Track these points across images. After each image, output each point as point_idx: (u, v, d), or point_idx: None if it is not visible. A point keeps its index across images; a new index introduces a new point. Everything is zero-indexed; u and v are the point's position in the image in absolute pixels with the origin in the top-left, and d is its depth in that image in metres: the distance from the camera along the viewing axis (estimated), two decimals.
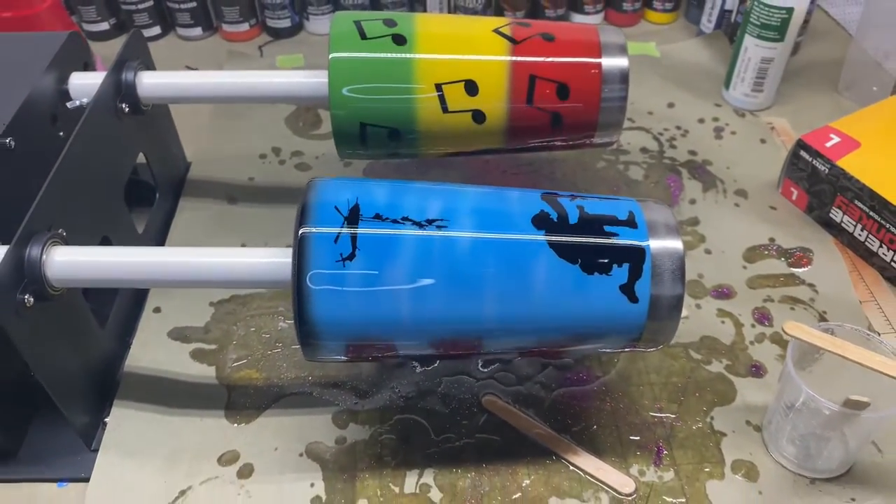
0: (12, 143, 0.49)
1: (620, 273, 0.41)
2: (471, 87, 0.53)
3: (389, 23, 0.55)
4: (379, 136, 0.55)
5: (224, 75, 0.58)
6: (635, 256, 0.41)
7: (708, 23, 0.85)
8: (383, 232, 0.41)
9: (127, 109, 0.56)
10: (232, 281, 0.44)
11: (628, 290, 0.41)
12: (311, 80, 0.56)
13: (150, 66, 0.60)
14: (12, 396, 0.50)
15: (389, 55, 0.53)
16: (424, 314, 0.41)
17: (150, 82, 0.57)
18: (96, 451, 0.49)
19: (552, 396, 0.52)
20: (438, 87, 0.53)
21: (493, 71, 0.54)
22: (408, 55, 0.53)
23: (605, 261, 0.41)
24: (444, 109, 0.54)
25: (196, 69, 0.83)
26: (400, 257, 0.40)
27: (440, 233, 0.41)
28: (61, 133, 0.56)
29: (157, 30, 0.87)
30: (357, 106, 0.53)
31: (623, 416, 0.51)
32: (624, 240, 0.41)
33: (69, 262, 0.44)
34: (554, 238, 0.41)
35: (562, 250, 0.41)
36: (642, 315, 0.41)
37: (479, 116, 0.54)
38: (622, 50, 0.55)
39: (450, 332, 0.42)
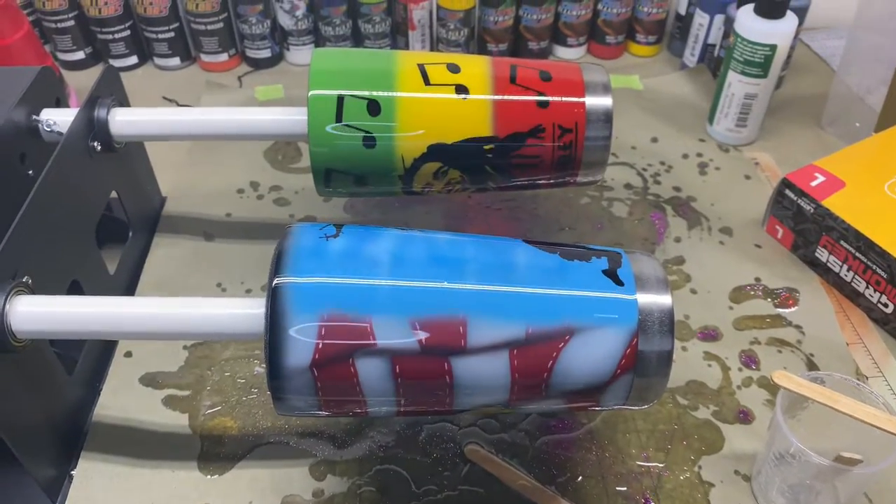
0: None
1: (600, 262, 0.41)
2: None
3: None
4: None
5: (200, 112, 0.56)
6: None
7: (691, 56, 0.85)
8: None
9: (99, 148, 0.55)
10: (204, 333, 0.43)
11: (611, 274, 0.40)
12: (290, 118, 0.55)
13: (123, 103, 0.59)
14: None
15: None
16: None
17: (124, 119, 0.55)
18: None
19: (536, 444, 0.51)
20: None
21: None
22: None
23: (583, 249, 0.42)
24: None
25: (173, 100, 0.82)
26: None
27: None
28: (30, 172, 0.54)
29: (133, 59, 0.86)
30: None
31: (609, 465, 0.50)
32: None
33: (34, 312, 0.42)
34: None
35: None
36: (631, 299, 0.40)
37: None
38: (606, 89, 0.54)
39: (431, 313, 0.39)
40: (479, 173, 0.54)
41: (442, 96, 0.53)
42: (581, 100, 0.54)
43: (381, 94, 0.52)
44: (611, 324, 0.39)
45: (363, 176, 0.53)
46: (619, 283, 0.40)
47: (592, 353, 0.39)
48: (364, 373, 0.39)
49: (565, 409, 0.43)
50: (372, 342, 0.38)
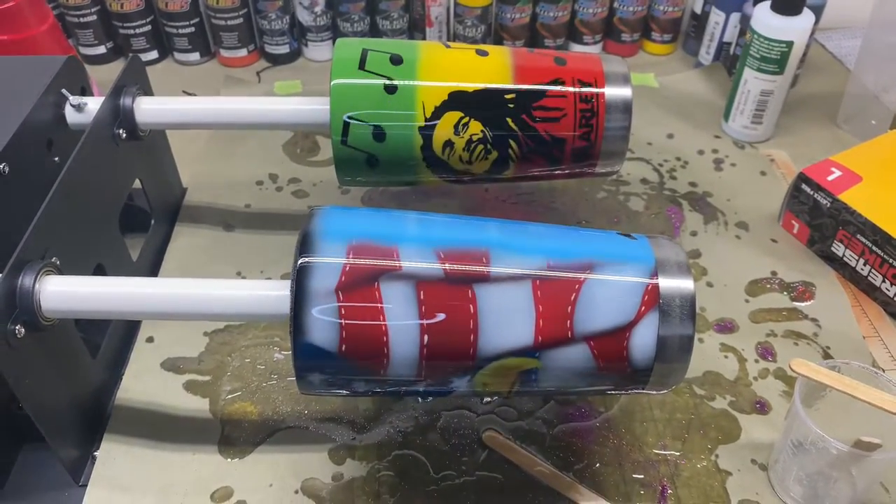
0: (6, 169, 0.48)
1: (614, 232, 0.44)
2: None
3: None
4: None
5: (223, 101, 0.57)
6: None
7: (707, 54, 0.85)
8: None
9: (124, 135, 0.55)
10: (228, 314, 0.43)
11: (625, 235, 0.43)
12: (312, 107, 0.56)
13: (148, 92, 0.59)
14: None
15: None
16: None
17: (149, 108, 0.56)
18: (85, 486, 0.48)
19: (554, 432, 0.51)
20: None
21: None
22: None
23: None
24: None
25: (193, 94, 0.83)
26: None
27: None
28: (56, 158, 0.55)
29: (154, 54, 0.87)
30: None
31: (626, 453, 0.50)
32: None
33: (63, 292, 0.42)
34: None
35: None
36: (646, 243, 0.42)
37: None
38: (626, 80, 0.55)
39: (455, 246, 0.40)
40: (501, 128, 0.53)
41: (462, 52, 0.55)
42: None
43: (403, 52, 0.54)
44: (629, 260, 0.41)
45: (382, 128, 0.52)
46: (633, 239, 0.43)
47: (614, 286, 0.40)
48: (389, 296, 0.39)
49: (594, 370, 0.40)
50: (397, 265, 0.39)
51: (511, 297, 0.40)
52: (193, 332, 0.57)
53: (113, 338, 0.54)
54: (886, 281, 0.58)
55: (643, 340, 0.40)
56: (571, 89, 0.54)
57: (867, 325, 0.59)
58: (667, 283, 0.40)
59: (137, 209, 0.62)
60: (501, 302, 0.39)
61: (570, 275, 0.40)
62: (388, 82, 0.52)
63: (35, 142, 0.53)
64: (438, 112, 0.53)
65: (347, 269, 0.39)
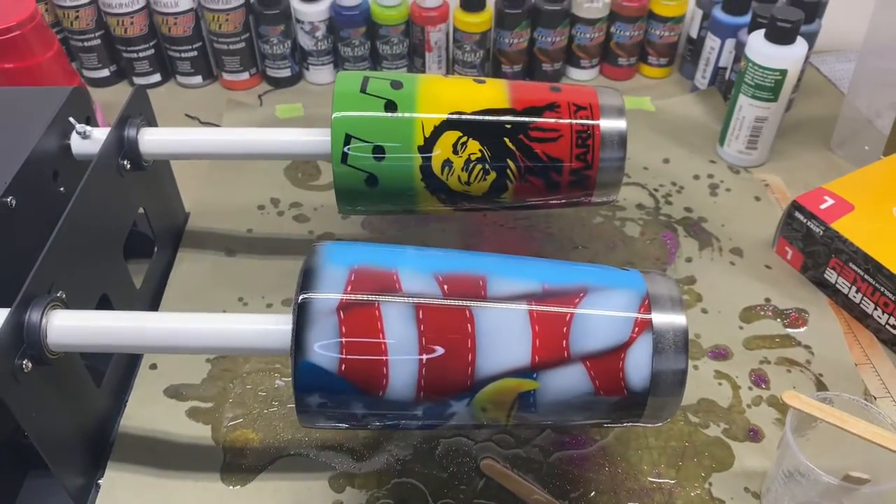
0: (13, 202, 0.49)
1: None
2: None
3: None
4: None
5: (226, 132, 0.58)
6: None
7: (702, 79, 0.86)
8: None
9: (128, 166, 0.56)
10: (231, 348, 0.44)
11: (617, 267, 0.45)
12: (314, 139, 0.57)
13: (152, 122, 0.60)
14: (3, 459, 0.49)
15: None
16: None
17: (152, 139, 0.57)
18: None
19: (550, 460, 0.52)
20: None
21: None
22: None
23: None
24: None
25: (196, 117, 0.84)
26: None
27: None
28: (62, 188, 0.56)
29: (157, 77, 0.88)
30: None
31: (622, 481, 0.51)
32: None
33: (69, 327, 0.43)
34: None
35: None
36: (638, 274, 0.44)
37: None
38: (620, 112, 0.56)
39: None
40: (498, 147, 0.54)
41: (460, 80, 0.57)
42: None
43: (403, 79, 0.56)
44: (621, 286, 0.43)
45: (383, 147, 0.54)
46: (625, 270, 0.45)
47: (607, 307, 0.42)
48: (388, 317, 0.40)
49: (592, 393, 0.41)
50: (397, 289, 0.41)
51: (508, 318, 0.41)
52: (196, 359, 0.58)
53: (117, 365, 0.55)
54: (878, 308, 0.59)
55: (638, 361, 0.41)
56: (566, 119, 0.55)
57: (859, 353, 0.59)
58: (660, 319, 0.41)
59: (141, 235, 0.63)
60: (499, 322, 0.41)
61: (565, 298, 0.42)
62: (388, 100, 0.54)
63: (41, 173, 0.54)
64: (437, 132, 0.54)
65: (348, 292, 0.40)
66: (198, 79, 0.88)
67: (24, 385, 0.42)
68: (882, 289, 0.58)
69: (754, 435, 0.54)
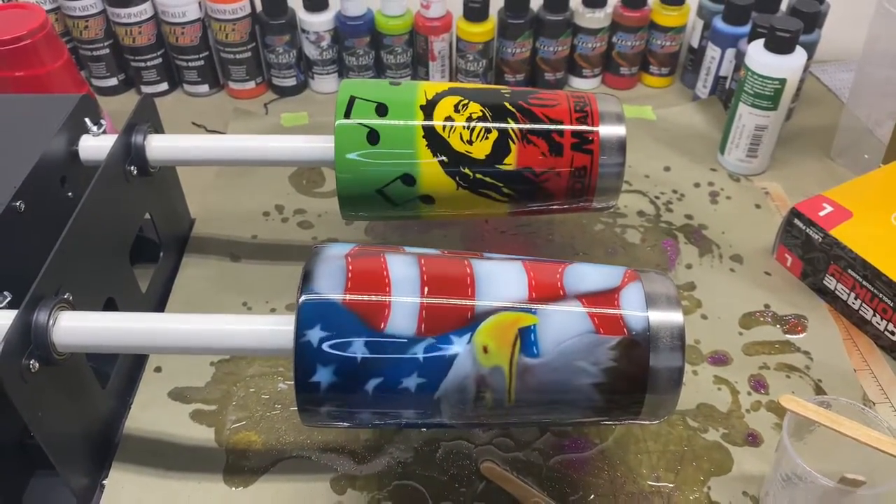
0: (22, 206, 0.50)
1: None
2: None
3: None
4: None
5: (232, 139, 0.59)
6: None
7: (703, 88, 0.87)
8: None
9: (135, 172, 0.57)
10: (236, 349, 0.45)
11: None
12: (319, 145, 0.57)
13: (158, 129, 0.61)
14: (9, 459, 0.50)
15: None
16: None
17: (159, 145, 0.58)
18: None
19: (550, 464, 0.52)
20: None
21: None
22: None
23: None
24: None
25: (202, 125, 0.85)
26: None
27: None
28: (70, 194, 0.57)
29: (164, 86, 0.89)
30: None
31: (621, 485, 0.51)
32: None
33: (76, 328, 0.44)
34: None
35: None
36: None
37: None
38: (620, 119, 0.57)
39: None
40: (499, 109, 0.56)
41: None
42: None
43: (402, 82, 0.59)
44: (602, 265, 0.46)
45: (385, 105, 0.55)
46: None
47: (597, 267, 0.45)
48: (392, 262, 0.43)
49: (592, 331, 0.41)
50: (401, 249, 0.44)
51: (503, 266, 0.44)
52: (200, 361, 0.59)
53: (122, 368, 0.56)
54: (877, 315, 0.60)
55: (632, 302, 0.42)
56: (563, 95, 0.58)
57: (858, 358, 0.60)
58: (656, 316, 0.42)
59: (147, 240, 0.64)
60: (495, 269, 0.44)
61: (555, 262, 0.46)
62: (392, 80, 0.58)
63: (50, 179, 0.55)
64: (439, 96, 0.57)
65: (354, 251, 0.44)
66: (204, 87, 0.89)
67: (32, 385, 0.43)
68: (881, 295, 0.59)
69: (753, 439, 0.54)
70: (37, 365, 0.43)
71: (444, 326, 0.41)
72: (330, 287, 0.41)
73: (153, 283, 0.62)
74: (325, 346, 0.40)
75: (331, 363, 0.40)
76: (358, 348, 0.40)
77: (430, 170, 0.55)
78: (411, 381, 0.41)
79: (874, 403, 0.56)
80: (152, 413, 0.55)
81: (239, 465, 0.52)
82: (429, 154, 0.55)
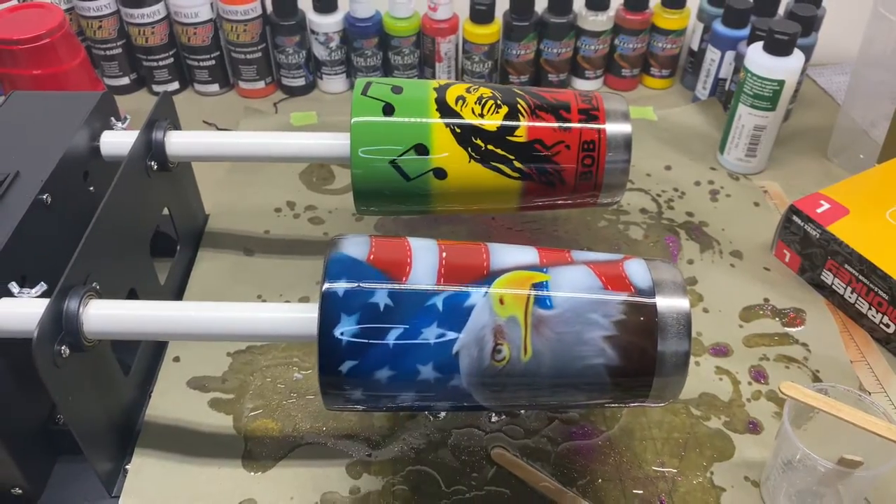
0: (49, 199, 0.52)
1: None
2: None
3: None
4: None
5: (249, 136, 0.61)
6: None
7: (703, 89, 0.89)
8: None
9: (155, 167, 0.59)
10: (260, 335, 0.47)
11: None
12: (333, 142, 0.59)
13: (177, 126, 0.63)
14: (37, 443, 0.52)
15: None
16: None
17: (178, 141, 0.60)
18: (117, 497, 0.51)
19: (558, 450, 0.54)
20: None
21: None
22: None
23: None
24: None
25: (213, 124, 0.87)
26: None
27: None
28: (92, 188, 0.59)
29: (175, 85, 0.91)
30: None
31: (627, 470, 0.53)
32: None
33: (104, 315, 0.46)
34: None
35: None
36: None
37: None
38: (626, 116, 0.59)
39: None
40: (508, 92, 0.59)
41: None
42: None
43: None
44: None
45: (400, 86, 0.59)
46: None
47: (600, 255, 0.48)
48: (413, 240, 0.47)
49: (601, 288, 0.44)
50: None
51: (515, 246, 0.47)
52: (217, 352, 0.60)
53: (143, 358, 0.58)
54: (872, 308, 0.62)
55: (636, 271, 0.45)
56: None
57: (854, 350, 0.62)
58: (664, 302, 0.43)
59: (164, 235, 0.66)
60: (508, 247, 0.47)
61: (561, 251, 0.48)
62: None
63: (74, 173, 0.56)
64: (450, 84, 0.60)
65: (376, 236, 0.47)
66: (215, 87, 0.91)
67: (63, 370, 0.44)
68: (876, 289, 0.61)
69: (754, 427, 0.56)
70: (67, 351, 0.44)
71: (463, 279, 0.44)
72: (356, 252, 0.45)
73: (171, 276, 0.64)
74: (348, 295, 0.43)
75: (354, 312, 0.42)
76: (381, 297, 0.42)
77: (442, 138, 0.57)
78: (431, 333, 0.42)
79: (870, 393, 0.58)
80: (172, 401, 0.57)
81: (257, 451, 0.54)
82: (441, 124, 0.57)
